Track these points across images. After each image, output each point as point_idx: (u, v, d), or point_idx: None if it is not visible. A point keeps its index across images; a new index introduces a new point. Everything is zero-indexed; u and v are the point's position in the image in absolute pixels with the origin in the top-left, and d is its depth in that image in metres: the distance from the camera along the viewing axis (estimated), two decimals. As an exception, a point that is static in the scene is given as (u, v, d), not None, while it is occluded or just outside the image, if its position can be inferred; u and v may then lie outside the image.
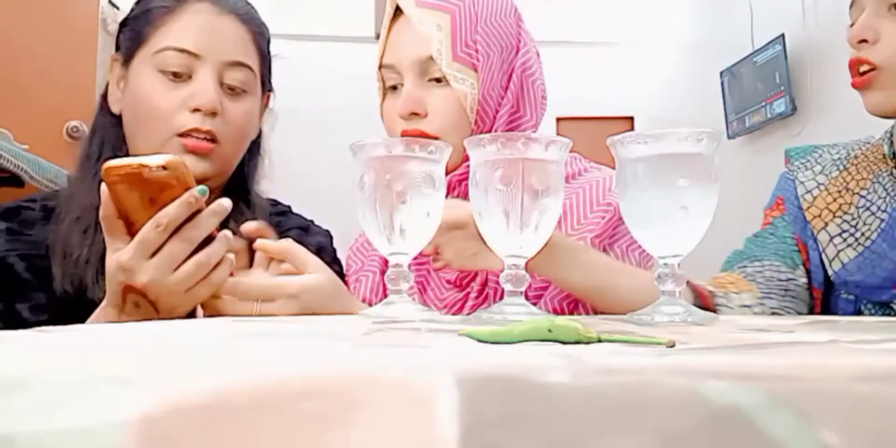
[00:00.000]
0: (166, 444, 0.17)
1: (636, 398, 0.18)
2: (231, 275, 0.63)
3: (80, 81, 1.96)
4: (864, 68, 0.76)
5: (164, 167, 0.57)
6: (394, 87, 0.83)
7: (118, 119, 0.80)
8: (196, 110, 0.75)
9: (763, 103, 3.84)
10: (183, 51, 0.75)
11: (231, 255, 0.63)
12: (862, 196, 0.80)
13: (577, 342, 0.33)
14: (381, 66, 0.84)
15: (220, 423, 0.18)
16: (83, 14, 2.01)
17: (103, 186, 0.58)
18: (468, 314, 0.74)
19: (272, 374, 0.19)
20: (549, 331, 0.33)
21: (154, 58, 0.75)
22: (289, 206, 0.96)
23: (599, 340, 0.33)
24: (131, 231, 0.59)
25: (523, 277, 0.54)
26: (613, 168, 0.89)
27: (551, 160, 0.54)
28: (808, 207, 0.83)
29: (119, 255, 0.58)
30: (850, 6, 0.81)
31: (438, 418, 0.17)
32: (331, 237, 0.95)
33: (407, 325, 0.46)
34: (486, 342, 0.34)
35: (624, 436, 0.17)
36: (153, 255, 0.58)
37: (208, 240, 0.60)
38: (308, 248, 0.81)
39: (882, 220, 0.77)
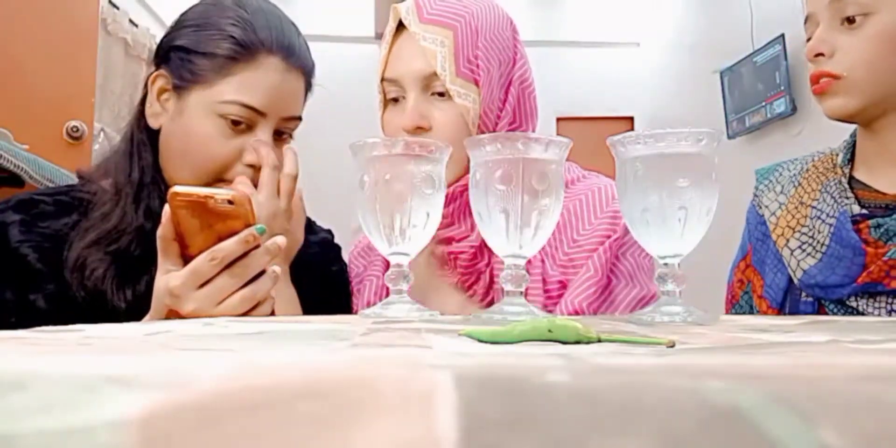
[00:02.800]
0: (166, 444, 0.17)
1: (636, 398, 0.18)
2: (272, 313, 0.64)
3: (80, 81, 1.96)
4: (825, 80, 0.78)
5: (229, 201, 0.59)
6: (395, 99, 0.84)
7: (154, 134, 0.80)
8: (250, 166, 0.77)
9: (763, 103, 3.84)
10: (250, 108, 0.76)
11: (274, 293, 0.64)
12: (814, 207, 0.82)
13: (577, 342, 0.33)
14: (382, 79, 0.85)
15: (219, 423, 0.18)
16: (83, 14, 2.01)
17: (165, 208, 0.60)
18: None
19: (272, 374, 0.19)
20: (549, 331, 0.33)
21: (218, 105, 0.76)
22: None
23: (599, 340, 0.33)
24: (184, 253, 0.61)
25: (523, 277, 0.54)
26: (608, 175, 0.89)
27: (551, 160, 0.54)
28: (774, 228, 0.86)
29: (169, 279, 0.60)
30: (805, 22, 0.83)
31: (438, 418, 0.17)
32: (332, 235, 0.95)
33: (407, 325, 0.46)
34: (486, 342, 0.34)
35: (624, 436, 0.17)
36: (203, 285, 0.59)
37: (257, 273, 0.62)
38: (311, 246, 0.80)
39: (830, 225, 0.79)
